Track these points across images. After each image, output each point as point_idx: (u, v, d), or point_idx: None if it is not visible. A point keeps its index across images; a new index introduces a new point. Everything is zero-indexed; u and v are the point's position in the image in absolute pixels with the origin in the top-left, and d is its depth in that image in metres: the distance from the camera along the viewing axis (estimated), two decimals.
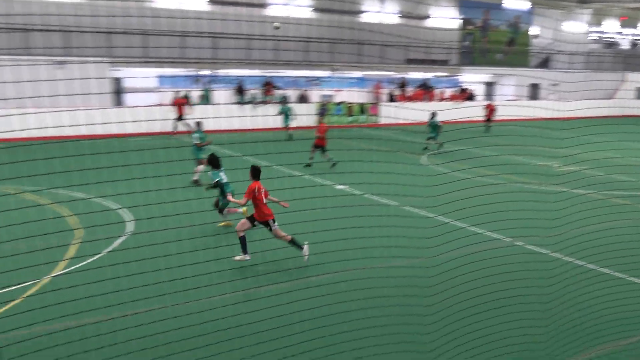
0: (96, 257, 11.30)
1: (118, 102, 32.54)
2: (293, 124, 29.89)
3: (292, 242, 11.25)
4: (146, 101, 31.98)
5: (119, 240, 12.37)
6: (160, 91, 33.59)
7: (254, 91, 36.13)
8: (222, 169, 13.51)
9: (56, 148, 19.33)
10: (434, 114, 26.16)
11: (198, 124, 18.33)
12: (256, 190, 11.21)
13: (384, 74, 40.91)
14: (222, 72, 35.63)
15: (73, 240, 12.29)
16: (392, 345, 7.97)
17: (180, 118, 28.81)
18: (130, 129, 25.48)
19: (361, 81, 41.06)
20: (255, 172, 11.45)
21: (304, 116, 33.14)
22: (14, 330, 7.76)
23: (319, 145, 21.96)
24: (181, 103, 29.14)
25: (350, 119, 37.80)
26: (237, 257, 11.30)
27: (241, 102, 34.91)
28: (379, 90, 40.78)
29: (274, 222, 11.22)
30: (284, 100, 33.94)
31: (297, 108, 32.51)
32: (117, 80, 32.55)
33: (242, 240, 11.30)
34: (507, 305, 8.49)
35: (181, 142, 24.59)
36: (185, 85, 34.29)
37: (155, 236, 9.97)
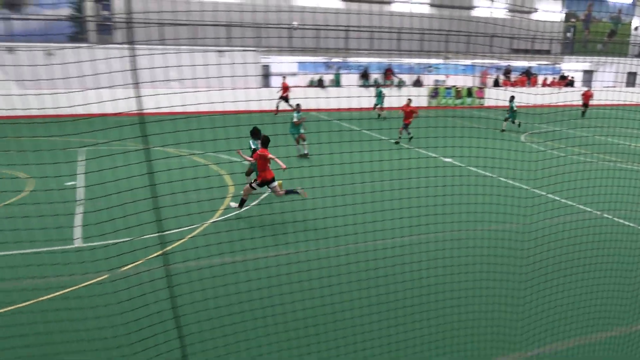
0: (245, 208, 11.84)
1: (266, 84, 33.50)
2: (386, 105, 28.75)
3: (288, 192, 11.32)
4: (288, 84, 32.67)
5: (263, 196, 12.86)
6: (298, 75, 34.16)
7: (376, 76, 35.95)
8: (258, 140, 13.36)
9: (219, 120, 20.32)
10: (512, 98, 24.79)
11: (298, 105, 17.99)
12: (265, 157, 11.05)
13: (491, 62, 39.14)
14: (351, 59, 35.61)
15: (228, 194, 12.94)
16: (490, 297, 7.78)
17: (285, 99, 28.33)
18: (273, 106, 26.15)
19: (470, 68, 39.56)
20: (265, 141, 11.28)
21: (418, 97, 32.51)
22: (183, 262, 8.35)
23: (406, 124, 20.81)
24: (287, 86, 28.69)
25: (458, 101, 36.71)
26: (233, 204, 11.51)
27: (365, 85, 34.81)
28: (485, 76, 39.18)
29: (273, 180, 11.24)
30: (378, 84, 33.19)
31: (413, 91, 31.91)
32: (266, 67, 33.48)
33: (243, 201, 11.33)
34: (595, 270, 8.01)
35: (286, 119, 24.74)
36: (320, 70, 34.66)
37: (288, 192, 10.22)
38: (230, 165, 15.69)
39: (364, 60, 35.90)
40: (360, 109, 30.72)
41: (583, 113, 31.01)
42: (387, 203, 8.91)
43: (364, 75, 35.51)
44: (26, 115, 20.28)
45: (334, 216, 8.33)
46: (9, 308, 7.33)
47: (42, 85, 21.91)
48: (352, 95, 31.62)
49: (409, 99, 21.77)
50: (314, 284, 7.27)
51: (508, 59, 39.39)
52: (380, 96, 28.85)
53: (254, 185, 11.21)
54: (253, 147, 12.35)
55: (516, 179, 14.00)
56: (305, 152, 17.43)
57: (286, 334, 6.52)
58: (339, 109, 25.88)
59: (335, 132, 20.57)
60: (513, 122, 24.58)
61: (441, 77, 38.32)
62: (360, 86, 34.72)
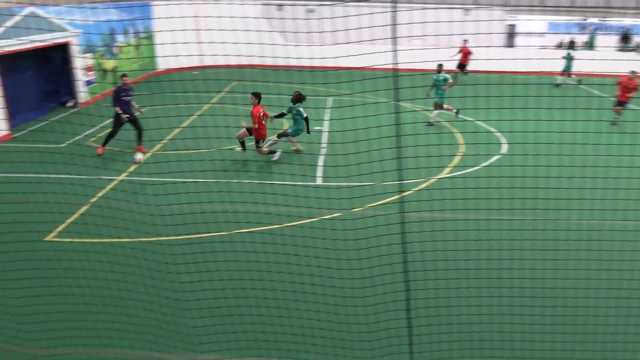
0: (474, 168, 11.60)
1: (511, 44, 31.57)
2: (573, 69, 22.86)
3: (269, 153, 12.15)
4: (533, 44, 30.35)
5: (494, 158, 12.42)
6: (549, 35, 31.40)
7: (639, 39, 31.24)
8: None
9: (470, 79, 19.96)
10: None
11: (440, 65, 15.45)
12: (261, 113, 11.78)
13: None
14: (611, 20, 31.40)
15: (458, 152, 12.79)
16: None
17: (462, 66, 23.10)
18: (521, 67, 24.54)
19: None
20: (258, 96, 11.93)
21: None
22: (412, 212, 8.60)
23: (622, 102, 16.03)
24: (468, 52, 22.97)
25: None
26: (238, 149, 12.26)
27: (625, 49, 30.53)
28: None
29: (263, 142, 12.09)
30: (570, 46, 27.76)
31: None
32: (511, 26, 31.44)
33: (243, 143, 12.22)
34: None
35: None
36: (572, 31, 31.36)
37: (522, 159, 9.72)
38: (462, 124, 15.40)
39: (627, 21, 31.37)
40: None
41: None
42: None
43: (625, 38, 31.12)
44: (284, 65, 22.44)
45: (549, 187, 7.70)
46: (258, 229, 8.45)
47: (300, 38, 23.91)
48: (608, 59, 27.99)
49: (633, 71, 16.11)
50: (537, 254, 6.92)
51: None
52: (568, 60, 23.07)
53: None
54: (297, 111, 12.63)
55: None
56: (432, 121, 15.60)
57: (498, 299, 6.39)
58: (590, 74, 23.13)
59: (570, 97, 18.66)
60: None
61: None
62: (619, 50, 30.55)
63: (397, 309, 5.93)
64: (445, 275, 6.75)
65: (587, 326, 5.84)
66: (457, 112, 15.63)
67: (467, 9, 27.06)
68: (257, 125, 11.85)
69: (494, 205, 7.72)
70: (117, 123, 12.53)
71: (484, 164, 11.92)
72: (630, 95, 15.97)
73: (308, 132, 12.72)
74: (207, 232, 8.11)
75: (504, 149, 13.15)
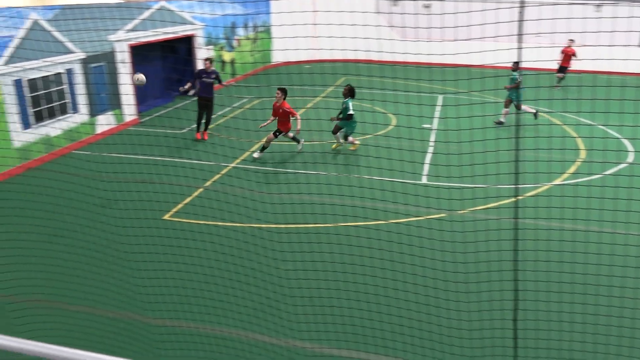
0: (596, 175, 10.81)
1: None
2: None
3: (293, 139, 12.26)
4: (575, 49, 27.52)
5: (620, 166, 11.50)
6: None
7: None
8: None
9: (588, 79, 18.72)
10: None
11: (515, 64, 14.10)
12: (286, 108, 11.80)
13: None
14: None
15: (578, 158, 11.99)
16: None
17: (563, 69, 19.70)
18: None
19: None
20: (285, 92, 11.86)
21: None
22: (527, 219, 8.20)
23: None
24: (571, 53, 19.69)
25: None
26: (255, 154, 11.97)
27: None
28: None
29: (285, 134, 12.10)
30: None
31: None
32: None
33: (265, 147, 11.95)
34: None
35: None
36: None
37: None
38: (588, 129, 14.40)
39: None
40: None
41: None
42: None
43: None
44: (401, 61, 22.20)
45: None
46: (362, 223, 8.48)
47: (418, 33, 23.57)
48: None
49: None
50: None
51: None
52: None
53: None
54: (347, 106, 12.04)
55: None
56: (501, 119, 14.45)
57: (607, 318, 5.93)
58: None
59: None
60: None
61: None
62: None
63: (503, 318, 5.70)
64: (558, 288, 6.37)
65: None
66: (536, 114, 14.59)
67: (599, 5, 25.19)
68: (283, 119, 11.98)
69: (620, 218, 7.16)
70: (200, 106, 13.25)
71: (608, 172, 11.07)
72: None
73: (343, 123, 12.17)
74: (313, 223, 8.28)
75: (631, 157, 12.14)
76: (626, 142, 13.20)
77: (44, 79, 11.92)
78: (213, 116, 13.76)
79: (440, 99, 17.65)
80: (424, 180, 10.62)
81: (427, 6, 25.85)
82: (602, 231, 7.40)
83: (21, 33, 11.30)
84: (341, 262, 7.22)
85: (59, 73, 12.38)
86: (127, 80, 14.38)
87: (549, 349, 5.44)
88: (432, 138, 13.39)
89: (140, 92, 15.65)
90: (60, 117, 12.49)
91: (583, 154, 12.32)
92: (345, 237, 7.70)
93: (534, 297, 5.84)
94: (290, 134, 12.29)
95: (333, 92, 18.25)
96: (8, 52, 10.99)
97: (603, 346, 5.51)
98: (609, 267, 6.27)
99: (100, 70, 13.70)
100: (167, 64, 18.13)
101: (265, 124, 12.16)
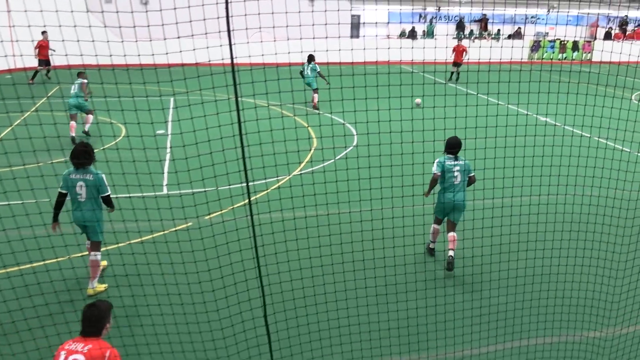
0: (328, 162, 11.89)
1: (356, 35, 33.02)
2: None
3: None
4: (377, 34, 32.04)
5: (347, 150, 12.86)
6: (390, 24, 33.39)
7: (472, 27, 34.50)
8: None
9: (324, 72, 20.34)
10: None
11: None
12: None
13: (602, 12, 36.22)
14: (445, 9, 34.27)
15: (312, 146, 13.05)
16: (584, 268, 7.43)
17: (457, 64, 24.38)
18: (363, 57, 25.62)
19: (577, 19, 36.89)
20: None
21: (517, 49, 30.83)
22: (268, 213, 8.57)
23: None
24: (463, 50, 24.38)
25: (561, 55, 34.53)
26: None
27: (460, 37, 33.50)
28: (595, 28, 36.38)
29: None
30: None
31: (512, 43, 30.27)
32: (356, 16, 32.94)
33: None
34: None
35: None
36: (411, 21, 33.66)
37: (373, 150, 10.13)
38: (315, 117, 15.75)
39: (457, 10, 34.39)
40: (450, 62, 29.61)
41: None
42: (477, 162, 8.62)
43: (460, 26, 34.15)
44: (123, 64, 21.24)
45: (413, 174, 8.19)
46: (104, 249, 7.87)
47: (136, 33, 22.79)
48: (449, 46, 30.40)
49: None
50: (387, 242, 7.26)
51: (624, 9, 36.34)
52: None
53: None
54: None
55: (619, 141, 13.07)
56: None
57: (363, 290, 6.60)
58: (430, 62, 25.04)
59: (428, 85, 19.99)
60: None
61: (544, 30, 36.08)
62: (455, 38, 33.43)
63: (254, 317, 5.89)
64: (299, 275, 6.79)
65: None
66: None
67: None
68: None
69: (343, 199, 7.95)
70: None
71: (338, 157, 12.28)
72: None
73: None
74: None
75: (355, 140, 13.69)
76: (350, 127, 14.83)
77: None
78: None
79: (171, 102, 17.42)
80: (165, 190, 10.35)
81: (144, 3, 25.23)
82: (340, 212, 8.17)
83: None
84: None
85: None
86: None
87: (300, 335, 5.80)
88: (169, 144, 13.14)
89: None
90: None
91: (315, 143, 13.46)
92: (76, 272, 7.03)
93: (279, 290, 6.14)
94: None
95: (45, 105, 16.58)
96: None
97: (345, 319, 6.09)
98: (350, 244, 6.93)
99: None
100: None
101: None
